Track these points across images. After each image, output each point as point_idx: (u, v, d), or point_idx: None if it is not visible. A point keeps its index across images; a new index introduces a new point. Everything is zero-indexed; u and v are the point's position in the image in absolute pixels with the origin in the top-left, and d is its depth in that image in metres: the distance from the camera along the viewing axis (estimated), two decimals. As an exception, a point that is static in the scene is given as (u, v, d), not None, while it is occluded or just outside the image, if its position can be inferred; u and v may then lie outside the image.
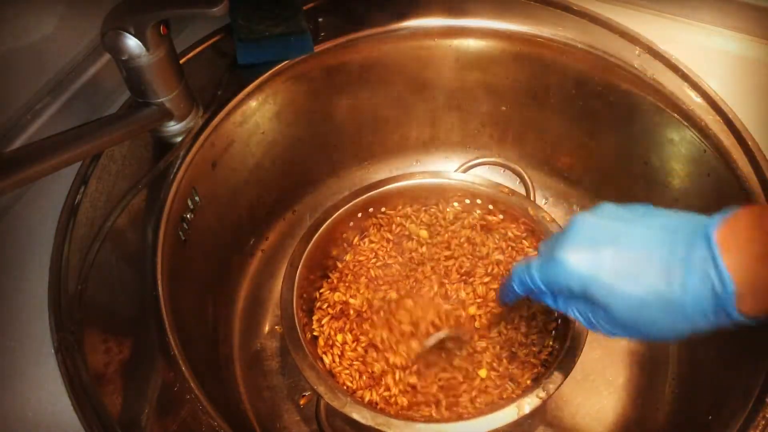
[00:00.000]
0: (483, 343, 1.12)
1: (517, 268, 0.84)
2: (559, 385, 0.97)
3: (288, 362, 1.18)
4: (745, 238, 0.64)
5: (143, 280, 0.95)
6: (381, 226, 1.26)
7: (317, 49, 1.21)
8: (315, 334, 1.15)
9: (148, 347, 0.89)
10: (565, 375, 0.97)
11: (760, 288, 0.62)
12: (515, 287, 0.85)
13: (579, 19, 1.21)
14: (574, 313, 0.80)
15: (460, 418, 1.04)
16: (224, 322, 1.24)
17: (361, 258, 1.23)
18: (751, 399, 0.86)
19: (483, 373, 1.09)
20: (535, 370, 1.07)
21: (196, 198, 1.10)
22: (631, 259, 0.70)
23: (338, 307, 1.17)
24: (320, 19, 1.25)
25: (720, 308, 0.64)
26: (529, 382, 1.06)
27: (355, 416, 0.95)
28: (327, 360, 1.11)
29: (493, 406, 1.03)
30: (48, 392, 0.86)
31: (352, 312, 1.16)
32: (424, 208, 1.26)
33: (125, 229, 0.99)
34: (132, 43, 0.93)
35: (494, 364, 1.10)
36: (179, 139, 1.08)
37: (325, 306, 1.18)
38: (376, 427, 0.95)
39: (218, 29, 1.23)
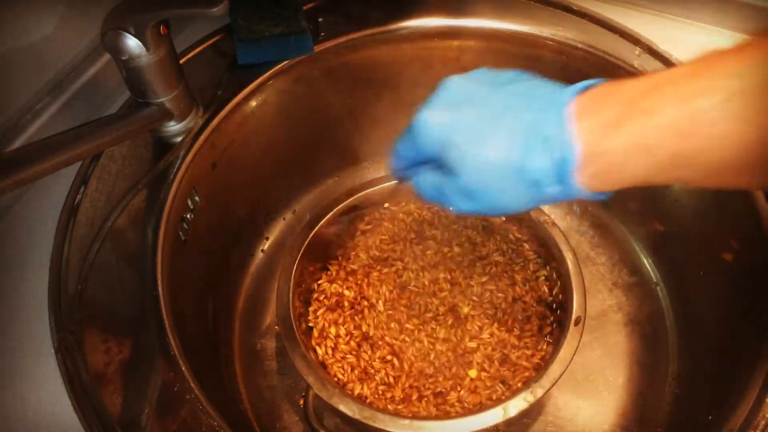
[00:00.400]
0: (474, 344, 1.12)
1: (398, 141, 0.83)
2: (547, 390, 0.97)
3: (288, 362, 1.17)
4: (597, 107, 0.64)
5: (143, 280, 0.95)
6: (382, 221, 1.26)
7: (317, 49, 1.21)
8: (310, 324, 1.17)
9: (148, 347, 0.89)
10: (554, 380, 0.98)
11: (601, 156, 0.63)
12: (393, 159, 0.84)
13: (579, 19, 1.21)
14: (426, 184, 0.79)
15: (446, 416, 1.05)
16: (224, 322, 1.24)
17: (361, 253, 1.24)
18: (751, 399, 0.86)
19: (473, 373, 1.09)
20: (527, 374, 1.08)
21: (196, 198, 1.10)
22: (486, 121, 0.69)
23: (334, 299, 1.18)
24: (320, 19, 1.25)
25: (561, 176, 0.65)
26: (519, 384, 1.06)
27: (342, 408, 0.95)
28: (320, 351, 1.12)
29: (480, 407, 1.04)
30: (48, 392, 0.86)
31: (346, 304, 1.17)
32: (423, 209, 1.26)
33: (125, 229, 0.99)
34: (132, 43, 0.93)
35: (485, 365, 1.10)
36: (179, 139, 1.08)
37: (321, 297, 1.19)
38: (363, 420, 0.95)
39: (218, 29, 1.23)
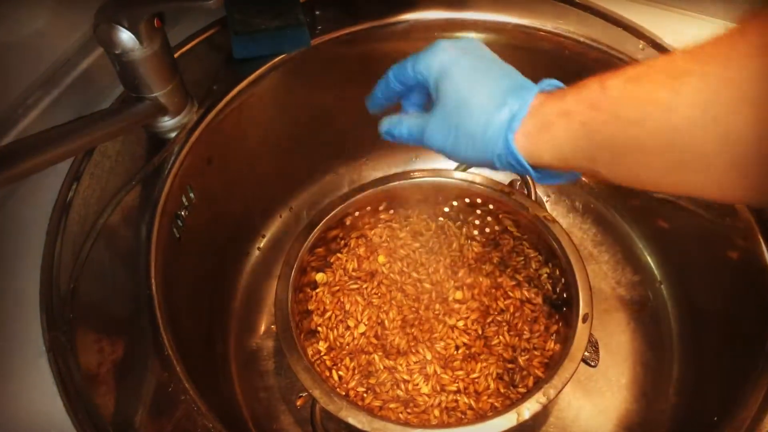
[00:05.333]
0: (480, 348, 1.12)
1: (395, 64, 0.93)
2: (560, 390, 0.96)
3: (284, 362, 1.17)
4: (559, 92, 0.75)
5: (137, 278, 0.94)
6: (378, 224, 1.26)
7: (314, 42, 1.21)
8: (310, 308, 1.18)
9: (141, 347, 0.89)
10: (566, 380, 0.97)
11: (534, 116, 0.74)
12: (389, 77, 0.93)
13: (581, 12, 1.21)
14: (408, 118, 0.90)
15: (458, 423, 1.04)
16: (219, 322, 1.24)
17: (356, 256, 1.24)
18: (757, 401, 0.86)
19: (482, 378, 1.09)
20: (537, 374, 1.07)
21: (191, 195, 1.10)
22: (483, 71, 0.82)
23: (337, 299, 1.18)
24: (317, 12, 1.25)
25: (507, 129, 0.75)
26: (530, 386, 1.06)
27: (351, 421, 0.94)
28: (322, 347, 1.14)
29: (492, 412, 1.03)
30: (39, 393, 0.85)
31: (347, 306, 1.17)
32: (422, 207, 1.26)
33: (118, 226, 0.99)
34: (125, 36, 0.92)
35: (493, 369, 1.09)
36: (173, 134, 1.08)
37: (323, 295, 1.20)
38: (373, 432, 0.95)
39: (213, 22, 1.23)
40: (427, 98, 0.91)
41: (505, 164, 0.78)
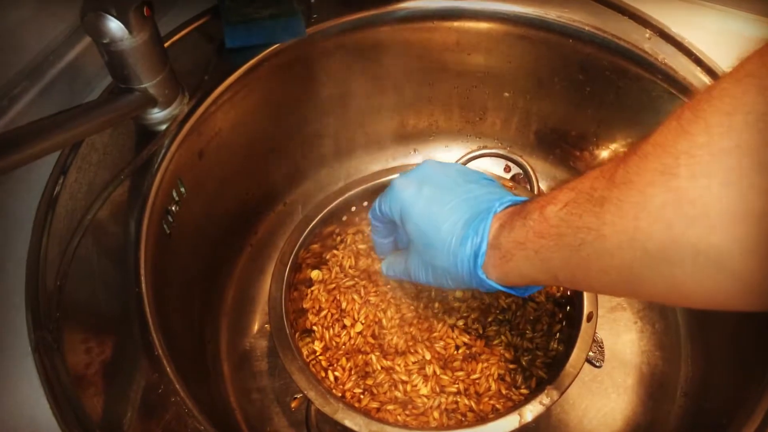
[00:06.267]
0: (481, 348, 1.12)
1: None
2: (564, 392, 0.96)
3: (278, 363, 1.18)
4: (508, 213, 0.81)
5: (126, 275, 0.94)
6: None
7: (309, 32, 1.21)
8: (305, 306, 1.18)
9: (130, 347, 0.89)
10: (570, 381, 0.97)
11: (495, 249, 0.80)
12: (371, 219, 1.04)
13: (586, 0, 1.21)
14: (392, 262, 1.06)
15: (458, 425, 1.04)
16: (211, 321, 1.24)
17: (353, 253, 1.24)
18: (767, 404, 0.86)
19: (483, 378, 1.09)
20: (539, 375, 1.07)
21: (182, 189, 1.10)
22: (440, 205, 0.86)
23: (332, 299, 1.18)
24: (312, 0, 1.25)
25: (476, 265, 0.82)
26: (533, 387, 1.06)
27: (348, 423, 0.94)
28: (317, 346, 1.13)
29: (493, 414, 1.04)
30: (25, 395, 0.85)
31: (343, 305, 1.17)
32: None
33: (107, 222, 0.99)
34: (114, 25, 0.92)
35: (494, 370, 1.09)
36: (164, 127, 1.08)
37: (318, 293, 1.19)
38: (371, 434, 0.94)
39: (205, 11, 1.23)
40: None
41: (487, 290, 0.86)
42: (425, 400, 1.07)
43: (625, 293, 0.71)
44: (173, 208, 1.08)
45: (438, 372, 1.09)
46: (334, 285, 1.19)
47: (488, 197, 0.86)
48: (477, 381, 1.08)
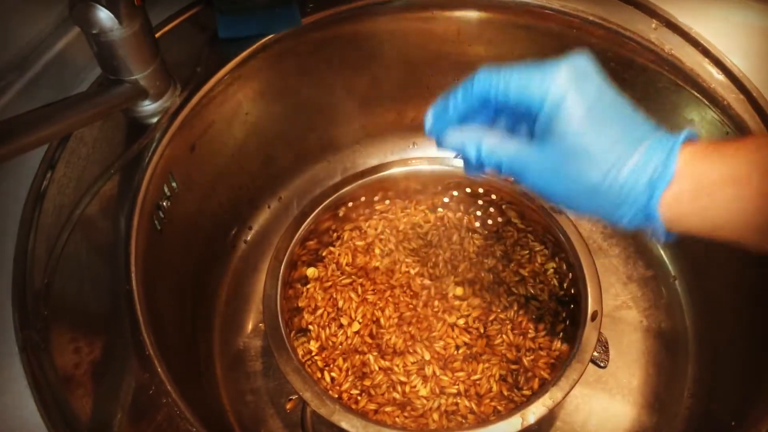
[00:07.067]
0: (482, 348, 1.12)
1: (484, 71, 0.76)
2: (567, 393, 0.96)
3: (273, 363, 1.17)
4: (715, 147, 0.67)
5: (115, 272, 0.94)
6: (373, 216, 1.26)
7: (305, 21, 1.21)
8: (300, 304, 1.18)
9: (120, 346, 0.89)
10: (574, 381, 0.97)
11: (690, 177, 0.66)
12: (473, 91, 0.76)
13: (591, -11, 1.21)
14: (503, 146, 0.76)
15: (458, 427, 1.04)
16: (204, 320, 1.24)
17: (350, 250, 1.24)
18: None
19: (484, 379, 1.09)
20: (542, 375, 1.07)
21: (173, 184, 1.10)
22: (610, 111, 0.71)
23: (329, 296, 1.18)
24: (308, -11, 1.25)
25: (651, 193, 0.67)
26: (535, 388, 1.06)
27: (344, 425, 0.94)
28: (313, 346, 1.14)
29: (494, 416, 1.04)
30: (12, 395, 0.85)
31: (340, 303, 1.17)
32: (421, 197, 1.26)
33: (96, 217, 0.99)
34: (103, 15, 0.92)
35: (495, 370, 1.09)
36: (155, 119, 1.08)
37: (315, 291, 1.20)
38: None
39: (197, 0, 1.23)
40: (520, 124, 0.79)
41: (632, 225, 0.71)
42: (424, 401, 1.07)
43: None
44: (164, 204, 1.08)
45: (437, 372, 1.09)
46: (330, 283, 1.19)
47: (663, 130, 0.71)
48: (478, 382, 1.08)
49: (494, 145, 0.76)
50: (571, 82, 0.70)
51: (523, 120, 0.77)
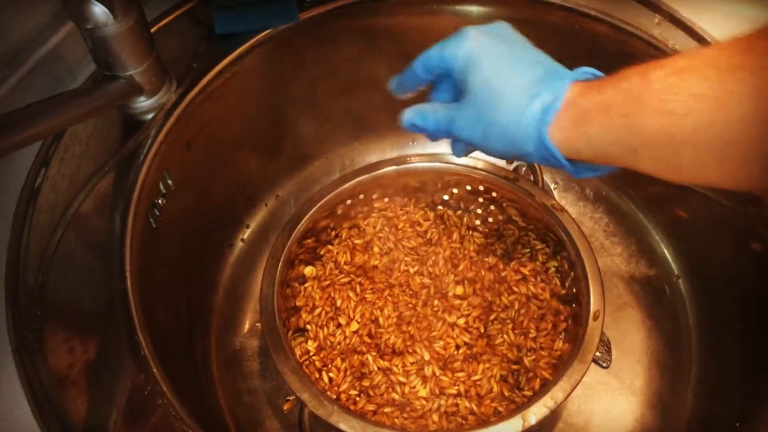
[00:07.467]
0: (482, 348, 1.12)
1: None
2: (569, 393, 0.96)
3: (270, 363, 1.18)
4: (596, 82, 0.76)
5: (110, 271, 0.94)
6: (372, 214, 1.26)
7: (302, 17, 1.21)
8: (298, 304, 1.18)
9: (115, 346, 0.89)
10: (576, 382, 0.97)
11: (570, 107, 0.76)
12: (415, 67, 0.94)
13: (593, -17, 1.21)
14: (442, 95, 0.96)
15: (459, 429, 1.04)
16: (200, 319, 1.24)
17: (348, 249, 1.24)
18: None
19: (484, 380, 1.09)
20: (544, 376, 1.07)
21: (169, 181, 1.10)
22: (512, 58, 0.83)
23: (327, 296, 1.18)
24: (306, -16, 1.25)
25: (541, 121, 0.77)
26: (536, 388, 1.06)
27: (343, 427, 0.94)
28: (311, 346, 1.13)
29: (495, 417, 1.04)
30: (5, 396, 0.85)
31: (338, 302, 1.17)
32: (420, 195, 1.26)
33: (90, 215, 0.99)
34: (98, 10, 0.92)
35: (496, 371, 1.09)
36: (150, 116, 1.08)
37: (312, 289, 1.19)
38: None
39: (193, -5, 1.23)
40: (456, 88, 0.91)
41: (540, 158, 0.80)
42: (424, 402, 1.07)
43: (707, 173, 0.69)
44: (160, 201, 1.08)
45: (437, 373, 1.09)
46: (328, 282, 1.19)
47: (564, 68, 0.83)
48: (478, 382, 1.08)
49: (424, 110, 0.93)
50: (477, 43, 0.85)
51: (455, 85, 0.91)
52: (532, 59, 0.83)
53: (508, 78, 0.81)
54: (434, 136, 0.95)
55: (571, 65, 1.12)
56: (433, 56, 0.90)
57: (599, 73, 0.79)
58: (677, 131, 0.66)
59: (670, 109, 0.66)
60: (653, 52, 1.15)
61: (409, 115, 0.94)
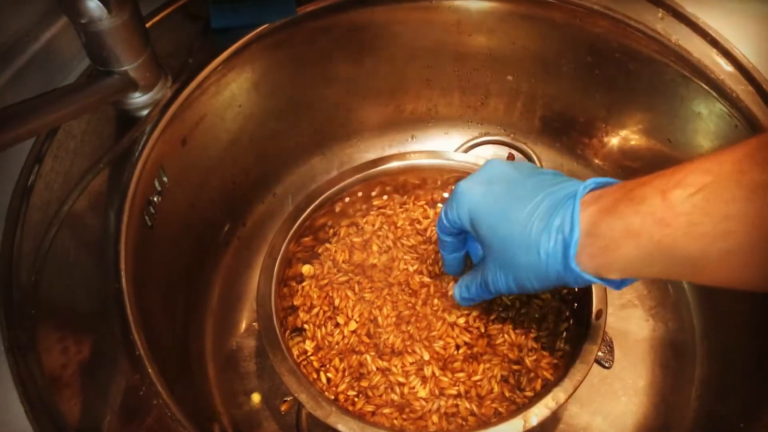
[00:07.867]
0: (482, 348, 1.12)
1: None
2: (571, 394, 0.96)
3: (267, 363, 1.18)
4: (600, 196, 0.77)
5: (105, 270, 0.94)
6: (371, 211, 1.26)
7: (300, 11, 1.21)
8: (295, 303, 1.18)
9: (110, 346, 0.89)
10: (578, 382, 0.97)
11: (595, 238, 0.75)
12: (438, 235, 1.03)
13: (595, -23, 1.21)
14: (466, 282, 1.02)
15: (459, 430, 1.04)
16: (196, 319, 1.24)
17: (347, 247, 1.23)
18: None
19: (485, 380, 1.09)
20: (545, 376, 1.07)
21: (164, 179, 1.10)
22: (512, 200, 0.85)
23: (324, 295, 1.18)
24: (303, -22, 1.25)
25: (565, 257, 0.78)
26: (538, 389, 1.06)
27: (341, 428, 0.94)
28: (309, 346, 1.13)
29: (496, 418, 1.03)
30: (-3, 397, 0.85)
31: (336, 302, 1.17)
32: (420, 192, 1.26)
33: (85, 213, 0.99)
34: (92, 4, 0.92)
35: (497, 371, 1.09)
36: (145, 112, 1.07)
37: (310, 288, 1.19)
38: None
39: (189, -11, 1.23)
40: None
41: (580, 285, 0.83)
42: (423, 403, 1.07)
43: (751, 283, 0.69)
44: (155, 199, 1.08)
45: (437, 373, 1.09)
46: (326, 281, 1.19)
47: (566, 183, 0.84)
48: (479, 383, 1.08)
49: (466, 282, 1.02)
50: (473, 196, 0.90)
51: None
52: (530, 188, 0.85)
53: (515, 220, 0.83)
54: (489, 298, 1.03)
55: (573, 61, 1.13)
56: (443, 220, 0.97)
57: (600, 180, 0.81)
58: (711, 249, 0.66)
59: (701, 232, 0.66)
60: (656, 47, 1.15)
61: (457, 292, 1.05)
